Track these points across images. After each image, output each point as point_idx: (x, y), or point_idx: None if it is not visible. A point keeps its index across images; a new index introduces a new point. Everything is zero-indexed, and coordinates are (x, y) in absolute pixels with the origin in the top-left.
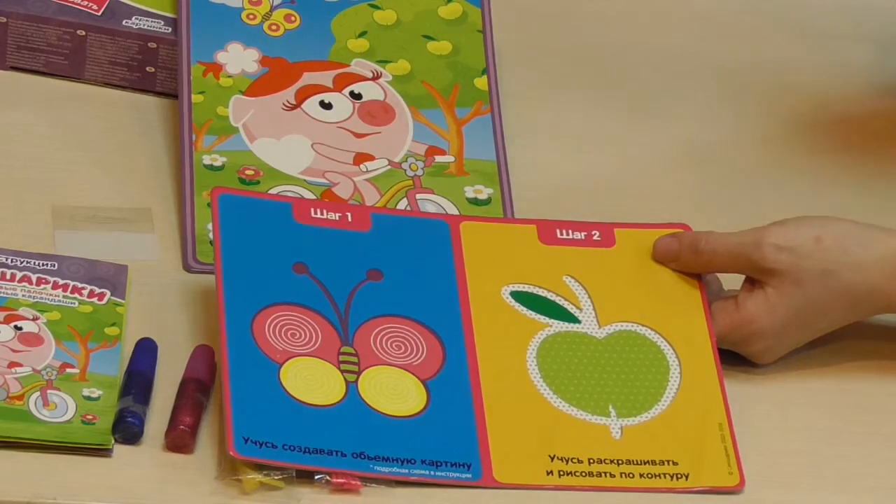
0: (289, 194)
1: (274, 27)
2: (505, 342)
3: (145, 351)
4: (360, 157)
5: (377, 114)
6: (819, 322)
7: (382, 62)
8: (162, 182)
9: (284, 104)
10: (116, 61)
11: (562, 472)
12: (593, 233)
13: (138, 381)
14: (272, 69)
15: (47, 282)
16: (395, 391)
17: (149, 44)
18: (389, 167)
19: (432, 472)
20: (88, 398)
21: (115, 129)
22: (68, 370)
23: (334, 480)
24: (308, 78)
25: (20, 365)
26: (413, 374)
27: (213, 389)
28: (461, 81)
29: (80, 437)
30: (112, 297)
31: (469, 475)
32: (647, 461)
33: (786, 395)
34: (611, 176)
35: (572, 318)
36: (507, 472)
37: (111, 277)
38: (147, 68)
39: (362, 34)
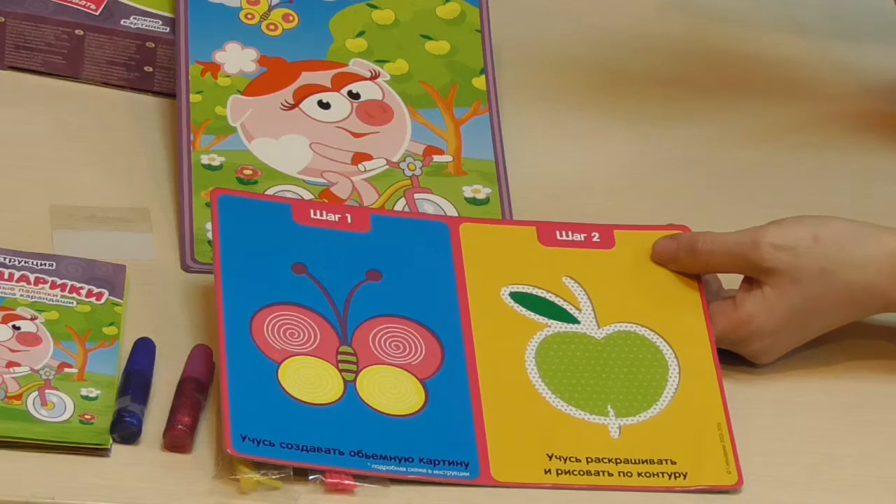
0: (287, 194)
1: (272, 27)
2: (504, 342)
3: (143, 350)
4: (359, 157)
5: (375, 113)
6: (817, 321)
7: (381, 62)
8: (160, 182)
9: (282, 104)
10: (114, 61)
11: (560, 471)
12: (593, 234)
13: (136, 380)
14: (270, 69)
15: (45, 281)
16: (393, 390)
17: (147, 43)
18: (387, 167)
19: (430, 471)
20: (86, 398)
21: (113, 128)
22: (66, 370)
23: (328, 481)
24: (306, 77)
25: (18, 364)
26: (411, 373)
27: (211, 389)
28: (459, 81)
29: (78, 437)
30: (110, 297)
31: (467, 473)
32: (646, 460)
33: (785, 394)
34: (610, 176)
35: (571, 319)
36: (505, 471)
37: (109, 277)
38: (145, 68)
39: (360, 34)
